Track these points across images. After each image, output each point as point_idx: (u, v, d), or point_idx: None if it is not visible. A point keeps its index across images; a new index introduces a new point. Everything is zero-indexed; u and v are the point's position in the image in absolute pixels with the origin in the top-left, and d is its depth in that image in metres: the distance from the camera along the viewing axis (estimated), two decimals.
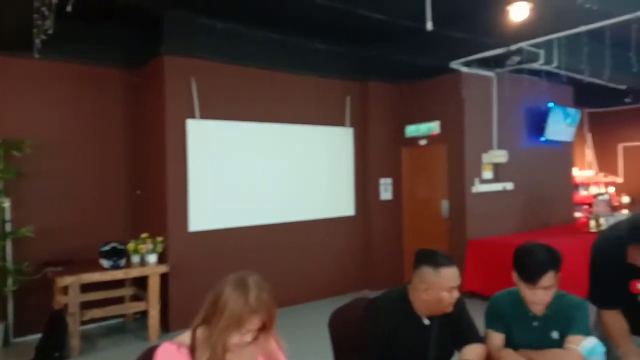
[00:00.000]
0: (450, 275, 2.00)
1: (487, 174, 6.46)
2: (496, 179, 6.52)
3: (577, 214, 8.16)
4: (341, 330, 2.36)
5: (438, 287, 1.98)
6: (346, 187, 6.68)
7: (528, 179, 6.91)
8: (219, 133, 5.53)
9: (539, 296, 2.05)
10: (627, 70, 4.65)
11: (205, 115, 5.38)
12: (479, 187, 6.32)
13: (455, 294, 2.01)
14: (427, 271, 2.01)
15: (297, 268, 6.12)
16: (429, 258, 2.03)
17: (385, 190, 6.96)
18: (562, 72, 5.71)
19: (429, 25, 3.91)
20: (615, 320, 2.16)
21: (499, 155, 6.44)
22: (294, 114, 6.13)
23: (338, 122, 6.56)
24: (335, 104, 6.54)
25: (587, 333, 2.05)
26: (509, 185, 6.65)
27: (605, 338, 2.21)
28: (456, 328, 2.12)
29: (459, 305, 2.13)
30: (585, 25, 4.45)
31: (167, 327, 5.06)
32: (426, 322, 2.09)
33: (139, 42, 5.42)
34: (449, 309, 2.03)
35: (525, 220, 6.87)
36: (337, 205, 6.58)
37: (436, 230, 6.66)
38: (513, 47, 5.11)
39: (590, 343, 1.99)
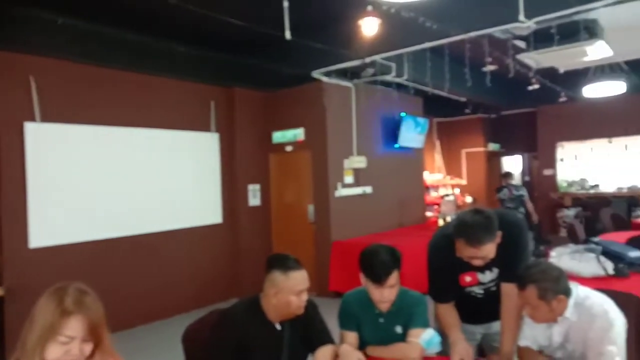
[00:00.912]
0: (299, 278, 2.03)
1: (349, 178, 6.79)
2: (357, 183, 6.88)
3: (429, 214, 8.97)
4: (195, 346, 2.27)
5: (287, 291, 2.01)
6: (213, 194, 6.51)
7: (385, 182, 7.42)
8: (66, 138, 5.01)
9: (385, 295, 2.17)
10: (464, 84, 5.24)
11: (48, 118, 4.84)
12: (341, 192, 6.62)
13: (304, 297, 2.05)
14: (277, 275, 2.03)
15: (160, 281, 5.79)
16: (279, 263, 2.05)
17: (254, 196, 6.95)
18: (411, 84, 6.23)
19: (288, 34, 3.99)
20: (447, 312, 2.36)
21: (359, 161, 6.82)
22: (153, 118, 5.82)
23: (203, 127, 6.38)
24: (200, 108, 6.37)
25: (425, 325, 2.22)
26: (368, 189, 7.07)
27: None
28: (308, 331, 2.17)
29: (310, 308, 2.18)
30: (428, 42, 4.92)
31: None
32: (278, 327, 2.10)
33: None
34: (300, 311, 2.06)
35: (383, 220, 7.35)
36: (204, 213, 6.39)
37: (303, 234, 6.82)
38: (368, 60, 5.44)
39: (428, 335, 2.17)
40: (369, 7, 3.63)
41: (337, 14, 4.32)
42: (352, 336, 2.25)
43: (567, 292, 1.93)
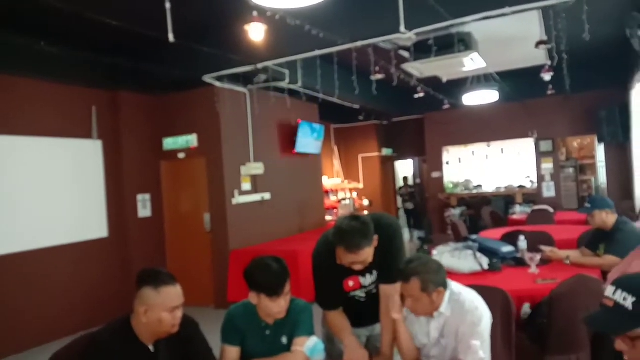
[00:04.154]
0: (172, 294, 1.91)
1: (246, 185, 6.69)
2: (255, 190, 6.80)
3: (328, 218, 9.14)
4: None
5: (159, 308, 1.88)
6: (96, 206, 6.05)
7: (284, 188, 7.42)
8: None
9: (283, 304, 2.13)
10: (352, 91, 5.40)
11: None
12: (239, 199, 6.49)
13: (179, 314, 1.93)
14: (147, 292, 1.89)
15: (35, 305, 5.24)
16: (150, 278, 1.92)
17: (144, 206, 6.57)
18: (305, 91, 6.30)
19: (171, 37, 3.83)
20: (337, 318, 2.38)
21: (256, 168, 6.75)
22: (24, 125, 5.27)
23: (83, 134, 5.90)
24: (79, 114, 5.88)
25: (310, 333, 2.21)
26: (267, 195, 7.02)
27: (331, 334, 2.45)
28: (187, 351, 2.04)
29: (190, 327, 2.07)
30: (318, 50, 5.00)
31: None
32: (152, 349, 1.96)
33: None
34: (174, 330, 1.94)
35: (283, 226, 7.34)
36: (86, 227, 5.90)
37: (199, 244, 6.58)
38: (260, 66, 5.40)
39: (312, 342, 2.16)
40: (254, 13, 3.59)
41: (224, 18, 4.23)
42: (234, 351, 2.18)
43: (445, 285, 2.03)
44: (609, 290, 1.38)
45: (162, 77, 5.88)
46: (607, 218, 3.83)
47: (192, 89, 6.33)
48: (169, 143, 6.67)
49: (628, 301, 1.32)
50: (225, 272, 6.23)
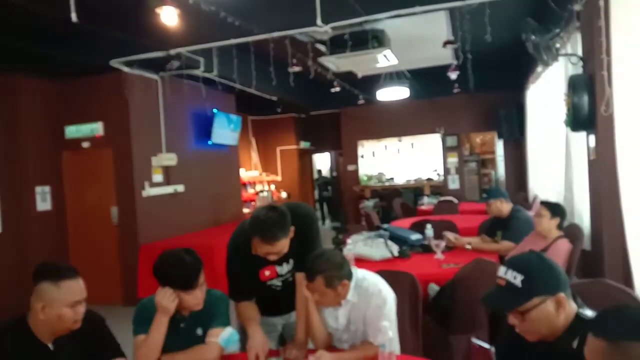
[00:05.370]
0: (73, 288, 1.80)
1: (158, 177, 6.41)
2: (167, 182, 6.54)
3: (246, 210, 9.04)
4: None
5: (59, 303, 1.76)
6: None
7: (198, 180, 7.22)
8: None
9: (199, 295, 2.09)
10: (269, 83, 5.36)
11: None
12: (149, 191, 6.21)
13: (81, 310, 1.82)
14: (45, 287, 1.76)
15: None
16: (49, 272, 1.79)
17: (43, 199, 6.07)
18: (221, 80, 6.15)
19: (74, 17, 3.56)
20: (246, 308, 2.37)
21: (169, 158, 6.49)
22: None
23: None
24: None
25: (226, 324, 2.18)
26: (180, 188, 6.79)
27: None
28: (91, 348, 1.93)
29: (94, 322, 1.95)
30: (233, 39, 4.90)
31: None
32: (51, 347, 1.83)
33: None
34: (76, 326, 1.82)
35: (197, 219, 7.14)
36: None
37: (106, 239, 6.22)
38: (172, 52, 5.19)
39: (226, 333, 2.13)
40: None
41: (132, 1, 3.99)
42: None
43: (349, 276, 2.08)
44: (501, 270, 1.51)
45: (64, 60, 5.43)
46: (502, 206, 4.18)
47: (98, 75, 5.93)
48: (72, 131, 6.21)
49: (517, 279, 1.45)
50: (135, 268, 5.95)
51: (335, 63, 5.59)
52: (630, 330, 1.00)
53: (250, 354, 2.06)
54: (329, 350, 2.02)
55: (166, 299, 2.04)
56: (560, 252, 3.25)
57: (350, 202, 11.08)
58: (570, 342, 1.41)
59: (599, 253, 3.68)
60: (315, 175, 12.98)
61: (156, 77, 6.32)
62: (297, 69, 5.73)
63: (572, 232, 3.60)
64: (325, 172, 13.79)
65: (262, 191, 10.10)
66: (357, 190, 10.94)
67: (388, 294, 2.10)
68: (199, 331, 2.18)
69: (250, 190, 10.12)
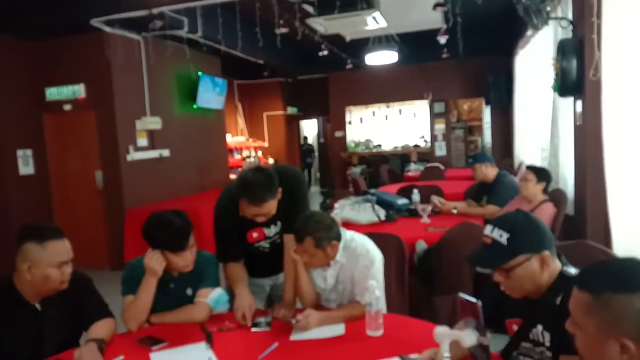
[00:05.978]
0: (59, 248, 1.78)
1: (142, 141, 6.32)
2: (152, 146, 6.46)
3: (232, 176, 8.99)
4: None
5: (45, 264, 1.74)
6: None
7: (184, 145, 7.13)
8: None
9: (189, 257, 2.09)
10: (256, 45, 5.24)
11: None
12: (134, 155, 6.13)
13: (68, 270, 1.81)
14: (31, 247, 1.75)
15: None
16: (34, 233, 1.77)
17: (25, 163, 5.96)
18: (205, 41, 5.99)
19: None
20: (234, 270, 2.37)
21: (153, 122, 6.38)
22: None
23: None
24: None
25: (215, 285, 2.19)
26: (165, 152, 6.71)
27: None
28: (79, 308, 1.93)
29: (81, 282, 1.95)
30: None
31: None
32: (38, 307, 1.83)
33: None
34: (63, 286, 1.81)
35: (183, 184, 7.10)
36: None
37: (91, 203, 6.17)
38: (155, 11, 5.02)
39: (216, 294, 2.14)
40: None
41: None
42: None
43: (338, 238, 2.09)
44: (488, 228, 1.52)
45: (43, 20, 5.22)
46: (487, 170, 4.22)
47: (78, 34, 5.73)
48: (53, 93, 6.04)
49: (503, 237, 1.47)
50: (121, 232, 5.93)
51: (323, 25, 5.45)
52: (614, 282, 1.02)
53: (237, 313, 2.07)
54: (317, 310, 2.04)
55: (154, 261, 2.03)
56: (544, 216, 3.30)
57: (337, 169, 11.08)
58: (553, 298, 1.44)
59: (581, 218, 3.75)
60: (302, 142, 12.90)
61: (139, 38, 6.13)
62: (284, 30, 5.59)
63: (556, 197, 3.65)
64: (311, 139, 13.71)
65: (248, 157, 10.04)
66: (345, 156, 10.93)
67: (376, 255, 2.12)
68: (189, 291, 2.18)
69: (237, 156, 10.06)
